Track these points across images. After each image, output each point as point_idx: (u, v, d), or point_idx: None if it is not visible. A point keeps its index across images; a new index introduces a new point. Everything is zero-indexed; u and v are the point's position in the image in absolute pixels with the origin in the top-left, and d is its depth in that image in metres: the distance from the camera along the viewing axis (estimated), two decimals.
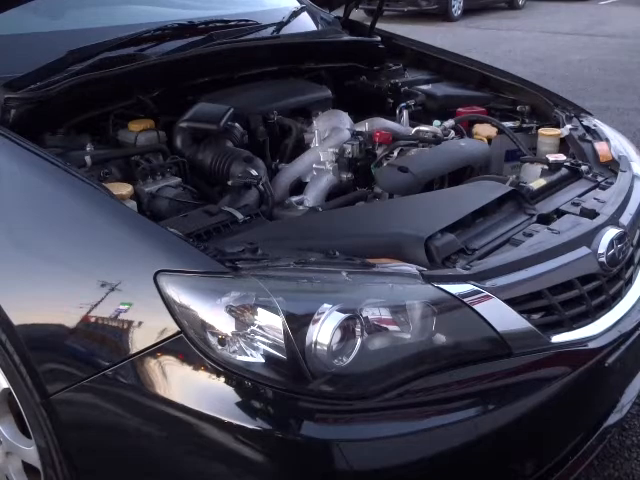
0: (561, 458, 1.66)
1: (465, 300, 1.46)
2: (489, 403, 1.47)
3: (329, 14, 2.95)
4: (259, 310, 1.34)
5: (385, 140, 2.23)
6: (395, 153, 2.20)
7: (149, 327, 1.40)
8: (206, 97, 2.19)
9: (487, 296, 1.49)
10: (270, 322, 1.34)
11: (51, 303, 1.51)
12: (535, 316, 1.58)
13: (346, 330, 1.36)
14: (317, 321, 1.34)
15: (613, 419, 1.81)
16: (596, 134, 2.35)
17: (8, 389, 1.61)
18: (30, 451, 1.63)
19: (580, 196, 1.98)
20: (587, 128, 2.38)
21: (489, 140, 2.40)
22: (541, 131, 2.36)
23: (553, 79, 6.79)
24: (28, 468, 1.71)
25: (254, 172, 1.94)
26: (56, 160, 1.62)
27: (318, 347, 1.33)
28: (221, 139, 2.10)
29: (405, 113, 2.53)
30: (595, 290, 1.71)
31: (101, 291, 1.43)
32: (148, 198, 1.84)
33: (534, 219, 1.83)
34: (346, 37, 2.75)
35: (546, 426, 1.56)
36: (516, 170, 2.23)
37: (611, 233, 1.76)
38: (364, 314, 1.38)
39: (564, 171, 2.10)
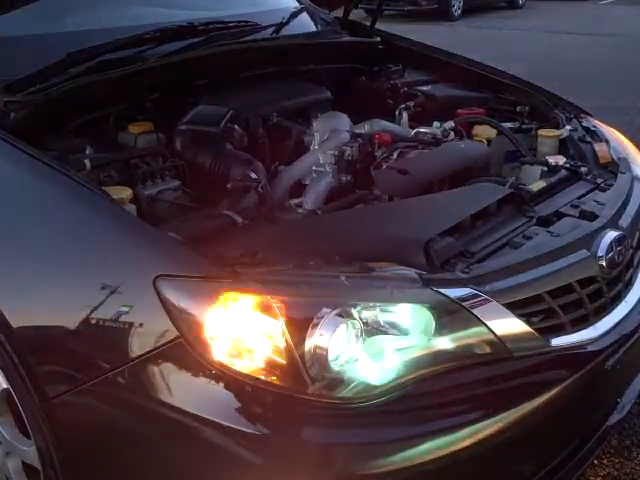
0: (561, 459, 1.66)
1: (464, 304, 1.46)
2: (489, 406, 1.46)
3: (329, 14, 2.94)
4: (258, 314, 1.34)
5: (384, 142, 2.21)
6: (394, 155, 2.19)
7: (149, 331, 1.40)
8: (205, 99, 2.18)
9: (486, 299, 1.49)
10: (269, 326, 1.34)
11: (51, 305, 1.51)
12: (535, 319, 1.58)
13: (345, 334, 1.36)
14: (316, 325, 1.34)
15: (614, 419, 1.82)
16: (596, 135, 2.34)
17: (8, 389, 1.61)
18: (30, 451, 1.63)
19: (579, 198, 1.97)
20: (587, 129, 2.37)
21: (489, 141, 2.40)
22: (541, 132, 2.35)
23: (553, 79, 6.73)
24: (28, 468, 1.70)
25: (253, 175, 1.94)
26: (56, 164, 1.61)
27: (317, 351, 1.33)
28: (220, 141, 2.10)
29: (405, 114, 2.51)
30: (595, 293, 1.70)
31: (101, 295, 1.43)
32: (147, 201, 1.83)
33: (533, 222, 1.82)
34: (345, 38, 2.75)
35: (546, 428, 1.56)
36: (516, 172, 2.21)
37: (610, 235, 1.75)
38: (363, 318, 1.38)
39: (563, 173, 2.09)
